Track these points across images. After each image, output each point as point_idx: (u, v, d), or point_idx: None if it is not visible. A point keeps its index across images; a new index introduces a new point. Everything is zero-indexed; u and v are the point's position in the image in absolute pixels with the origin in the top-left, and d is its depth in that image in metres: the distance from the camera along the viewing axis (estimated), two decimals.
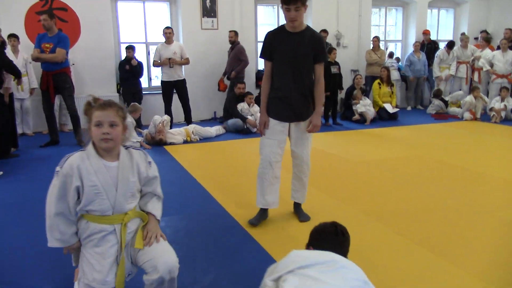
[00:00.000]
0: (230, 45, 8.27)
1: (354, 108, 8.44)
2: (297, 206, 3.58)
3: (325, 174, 4.82)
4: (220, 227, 3.40)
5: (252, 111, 7.46)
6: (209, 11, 8.52)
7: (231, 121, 7.48)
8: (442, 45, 10.54)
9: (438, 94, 9.55)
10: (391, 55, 10.26)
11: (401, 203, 3.96)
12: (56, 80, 6.12)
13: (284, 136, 3.36)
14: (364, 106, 8.38)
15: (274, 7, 9.57)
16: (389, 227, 3.36)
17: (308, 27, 3.27)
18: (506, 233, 3.29)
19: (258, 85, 9.06)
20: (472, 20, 10.93)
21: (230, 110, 7.63)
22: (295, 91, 3.25)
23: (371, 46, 9.70)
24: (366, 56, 9.61)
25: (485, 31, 10.43)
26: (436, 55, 9.82)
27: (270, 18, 9.74)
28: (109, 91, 8.03)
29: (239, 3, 8.71)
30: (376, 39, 9.66)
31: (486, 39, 9.52)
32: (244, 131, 7.32)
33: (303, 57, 3.21)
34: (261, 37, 9.41)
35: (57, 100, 7.11)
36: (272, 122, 3.30)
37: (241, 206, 3.81)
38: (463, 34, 10.17)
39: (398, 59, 10.40)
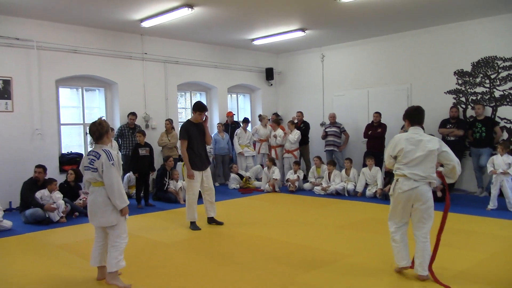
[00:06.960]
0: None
1: (170, 186, 8.57)
2: (211, 218, 6.40)
3: (136, 258, 4.67)
4: None
5: (54, 198, 6.85)
6: (1, 92, 7.82)
7: (30, 211, 6.69)
8: None
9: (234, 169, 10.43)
10: None
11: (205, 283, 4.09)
12: None
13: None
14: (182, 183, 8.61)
15: (78, 89, 9.33)
16: None
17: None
18: None
19: (62, 170, 8.47)
20: (265, 104, 12.56)
21: (27, 199, 6.83)
22: (203, 153, 6.28)
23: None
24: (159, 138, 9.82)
25: (276, 113, 12.05)
26: (235, 133, 10.81)
27: (74, 101, 9.42)
28: None
29: (37, 84, 8.22)
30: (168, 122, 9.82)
31: (276, 121, 10.94)
32: (45, 221, 6.63)
33: (204, 136, 6.30)
34: (65, 120, 9.01)
35: None
36: (195, 172, 6.13)
37: None
38: (261, 115, 11.41)
39: None
